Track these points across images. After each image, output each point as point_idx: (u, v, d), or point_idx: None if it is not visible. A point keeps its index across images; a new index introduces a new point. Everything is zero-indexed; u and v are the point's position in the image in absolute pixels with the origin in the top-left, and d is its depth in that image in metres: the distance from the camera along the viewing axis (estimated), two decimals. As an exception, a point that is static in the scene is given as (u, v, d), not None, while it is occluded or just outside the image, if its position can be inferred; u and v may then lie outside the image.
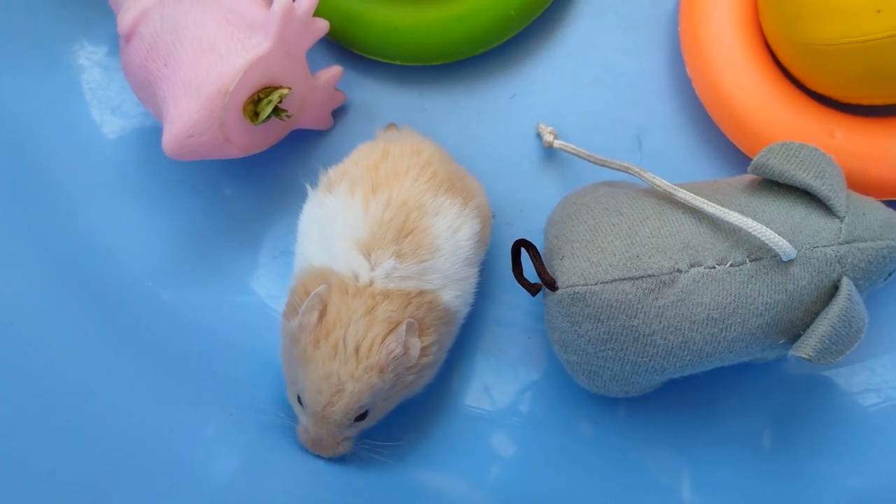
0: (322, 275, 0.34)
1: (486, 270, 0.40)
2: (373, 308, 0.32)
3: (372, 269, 0.33)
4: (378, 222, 0.34)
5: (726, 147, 0.40)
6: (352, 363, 0.32)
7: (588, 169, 0.40)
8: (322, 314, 0.32)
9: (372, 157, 0.36)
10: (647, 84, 0.42)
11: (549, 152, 0.42)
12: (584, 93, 0.43)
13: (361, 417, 0.33)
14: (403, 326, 0.32)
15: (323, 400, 0.32)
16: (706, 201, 0.32)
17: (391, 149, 0.36)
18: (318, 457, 0.34)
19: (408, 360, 0.33)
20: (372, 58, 0.42)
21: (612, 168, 0.37)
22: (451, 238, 0.35)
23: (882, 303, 0.38)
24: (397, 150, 0.36)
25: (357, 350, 0.32)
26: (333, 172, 0.36)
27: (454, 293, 0.35)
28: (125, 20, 0.38)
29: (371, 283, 0.33)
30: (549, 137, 0.41)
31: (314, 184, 0.37)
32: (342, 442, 0.34)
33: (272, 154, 0.41)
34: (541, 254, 0.36)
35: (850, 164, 0.37)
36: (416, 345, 0.33)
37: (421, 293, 0.34)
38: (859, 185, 0.37)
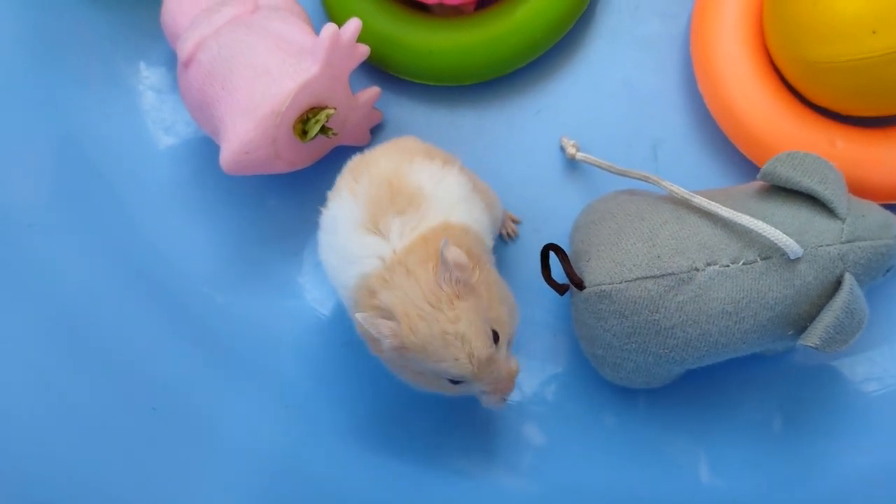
0: (365, 281, 0.35)
1: (514, 273, 0.44)
2: (406, 267, 0.33)
3: (387, 239, 0.35)
4: (369, 199, 0.35)
5: (735, 157, 0.44)
6: (441, 311, 0.32)
7: (608, 179, 0.43)
8: (392, 332, 0.32)
9: (352, 161, 0.38)
10: (661, 99, 0.46)
11: (573, 164, 0.45)
12: (603, 108, 0.46)
13: (495, 339, 0.33)
14: (441, 245, 0.32)
15: (460, 355, 0.32)
16: (720, 206, 0.35)
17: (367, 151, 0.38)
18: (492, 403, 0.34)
19: (463, 266, 0.32)
20: (407, 79, 0.46)
21: (631, 177, 0.40)
22: (438, 185, 0.36)
23: (882, 297, 0.41)
24: (375, 148, 0.38)
25: (431, 304, 0.32)
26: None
27: (462, 214, 0.36)
28: (185, 48, 0.41)
29: (394, 252, 0.34)
30: (571, 150, 0.44)
31: None
32: (509, 361, 0.34)
33: (313, 168, 0.45)
34: (572, 252, 0.39)
35: (850, 171, 0.40)
36: (457, 252, 0.32)
37: (431, 230, 0.35)
38: (859, 190, 0.40)
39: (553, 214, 0.45)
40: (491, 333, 0.33)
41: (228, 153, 0.40)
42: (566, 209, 0.43)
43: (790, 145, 0.41)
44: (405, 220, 0.35)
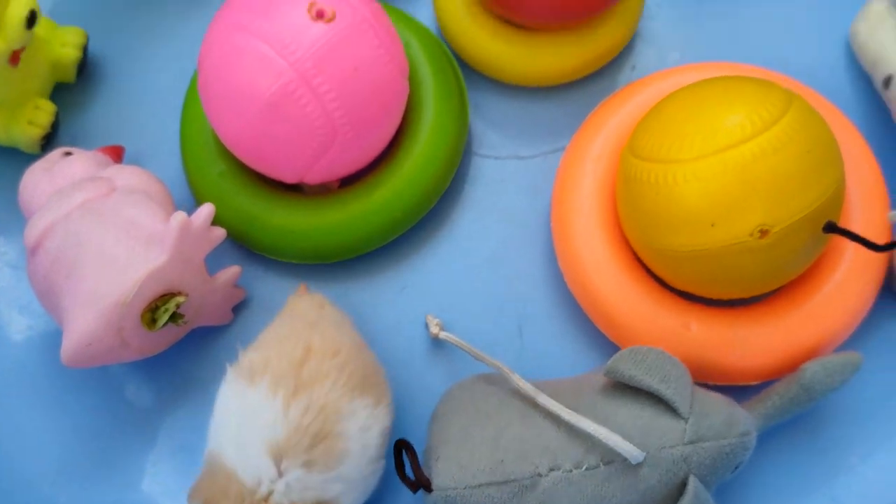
0: (227, 477, 0.35)
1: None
2: None
3: (279, 476, 0.34)
4: (296, 427, 0.35)
5: (599, 335, 0.43)
6: None
7: (472, 359, 0.43)
8: None
9: (296, 353, 0.37)
10: (526, 275, 0.45)
11: (438, 341, 0.44)
12: (470, 284, 0.46)
13: None
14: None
15: None
16: (563, 408, 0.35)
17: (313, 345, 0.37)
18: None
19: None
20: (271, 257, 0.45)
21: (487, 364, 0.39)
22: (361, 438, 0.36)
23: (740, 489, 0.41)
24: (319, 349, 0.37)
25: None
26: (256, 358, 0.37)
27: (353, 496, 0.37)
28: (32, 234, 0.40)
29: (270, 494, 0.34)
30: (434, 329, 0.43)
31: (232, 362, 0.38)
32: None
33: (173, 349, 0.43)
34: (426, 446, 0.38)
35: (703, 353, 0.40)
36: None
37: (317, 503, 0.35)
38: (713, 372, 0.40)
39: (417, 394, 0.43)
40: None
41: (69, 346, 0.38)
42: (431, 389, 0.43)
43: (647, 327, 0.41)
44: (306, 478, 0.35)
